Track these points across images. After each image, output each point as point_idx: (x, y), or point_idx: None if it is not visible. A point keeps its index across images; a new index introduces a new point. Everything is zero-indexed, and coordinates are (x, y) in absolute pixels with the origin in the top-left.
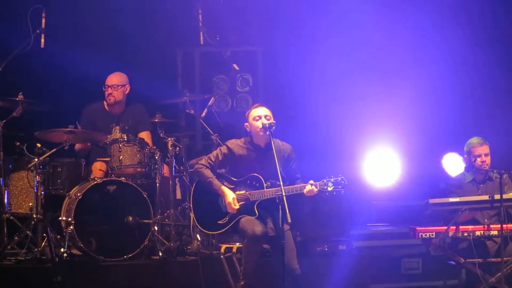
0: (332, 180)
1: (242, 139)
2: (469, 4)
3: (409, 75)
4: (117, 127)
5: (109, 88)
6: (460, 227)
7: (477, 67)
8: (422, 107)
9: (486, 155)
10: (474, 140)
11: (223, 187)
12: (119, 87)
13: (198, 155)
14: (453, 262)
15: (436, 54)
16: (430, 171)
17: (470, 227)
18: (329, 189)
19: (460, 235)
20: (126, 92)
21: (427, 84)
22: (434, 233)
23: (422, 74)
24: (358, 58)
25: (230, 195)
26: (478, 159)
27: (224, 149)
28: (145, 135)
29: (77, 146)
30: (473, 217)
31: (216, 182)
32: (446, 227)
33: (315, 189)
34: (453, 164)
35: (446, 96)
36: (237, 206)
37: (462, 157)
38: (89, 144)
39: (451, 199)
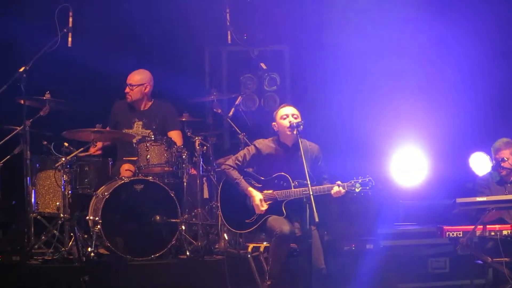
0: (360, 181)
1: (270, 139)
2: None
3: (436, 73)
4: (140, 122)
5: (127, 86)
6: (487, 226)
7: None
8: (450, 106)
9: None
10: (498, 142)
11: (250, 188)
12: (135, 86)
13: (225, 154)
14: (480, 262)
15: (466, 51)
16: (457, 170)
17: (497, 226)
18: (357, 190)
19: (487, 235)
20: (145, 91)
21: (455, 82)
22: (461, 233)
23: (450, 72)
24: (385, 57)
25: (257, 197)
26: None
27: (252, 149)
28: (175, 134)
29: (99, 143)
30: (500, 217)
31: (243, 183)
32: (473, 227)
33: (343, 190)
34: (480, 164)
35: (474, 94)
36: (264, 207)
37: (489, 156)
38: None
39: (478, 199)
